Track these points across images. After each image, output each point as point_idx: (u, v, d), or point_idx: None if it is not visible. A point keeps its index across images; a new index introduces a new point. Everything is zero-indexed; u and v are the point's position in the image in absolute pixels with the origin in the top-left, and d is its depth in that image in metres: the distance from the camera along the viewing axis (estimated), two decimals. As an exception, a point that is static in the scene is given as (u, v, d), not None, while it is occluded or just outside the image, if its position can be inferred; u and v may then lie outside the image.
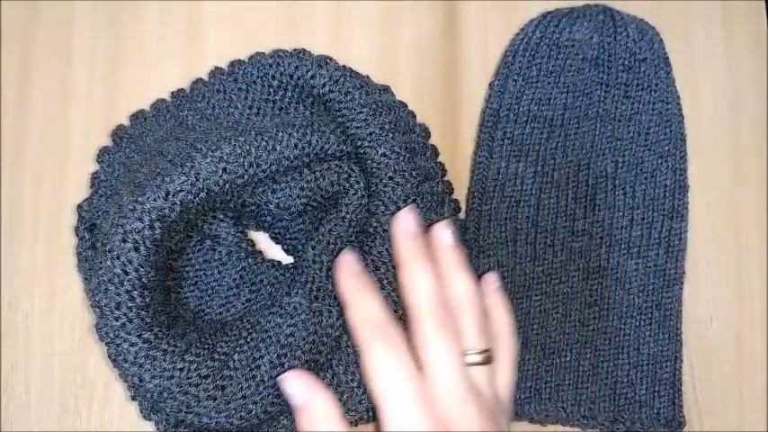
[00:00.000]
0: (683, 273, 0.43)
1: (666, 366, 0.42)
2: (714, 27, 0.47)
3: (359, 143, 0.37)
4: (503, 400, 0.35)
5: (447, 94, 0.45)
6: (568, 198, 0.43)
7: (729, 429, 0.43)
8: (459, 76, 0.45)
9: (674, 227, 0.43)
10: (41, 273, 0.42)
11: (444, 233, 0.36)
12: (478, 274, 0.42)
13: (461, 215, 0.44)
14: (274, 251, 0.43)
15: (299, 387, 0.34)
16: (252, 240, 0.42)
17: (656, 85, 0.44)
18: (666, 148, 0.43)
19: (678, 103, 0.44)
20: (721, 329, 0.44)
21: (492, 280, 0.37)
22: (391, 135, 0.37)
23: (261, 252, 0.42)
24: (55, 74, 0.44)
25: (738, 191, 0.45)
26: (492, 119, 0.44)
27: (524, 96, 0.44)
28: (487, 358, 0.34)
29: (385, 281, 0.37)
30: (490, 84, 0.45)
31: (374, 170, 0.37)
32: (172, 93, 0.42)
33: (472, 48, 0.46)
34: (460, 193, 0.44)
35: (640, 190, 0.43)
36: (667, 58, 0.44)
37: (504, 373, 0.35)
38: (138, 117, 0.42)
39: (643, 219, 0.43)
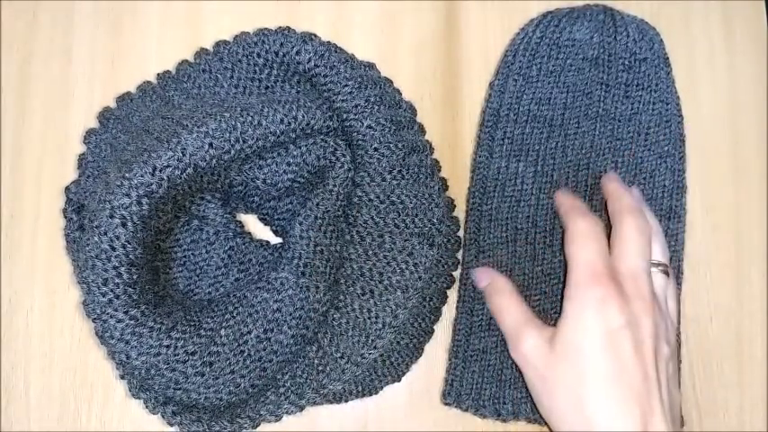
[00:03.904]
0: (681, 273, 0.43)
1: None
2: (714, 27, 0.47)
3: (344, 116, 0.37)
4: (671, 314, 0.39)
5: (447, 94, 0.45)
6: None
7: (729, 429, 0.43)
8: (459, 76, 0.45)
9: (670, 227, 0.43)
10: (41, 273, 0.42)
11: (635, 191, 0.42)
12: None
13: (460, 214, 0.44)
14: (263, 235, 0.43)
15: (483, 275, 0.41)
16: (240, 221, 0.42)
17: (656, 85, 0.44)
18: (666, 148, 0.43)
19: (678, 104, 0.44)
20: (721, 329, 0.44)
21: None
22: (376, 107, 0.37)
23: (249, 233, 0.42)
24: (55, 74, 0.44)
25: (738, 191, 0.45)
26: (492, 118, 0.44)
27: (524, 96, 0.44)
28: (666, 271, 0.39)
29: (370, 251, 0.37)
30: (490, 83, 0.45)
31: (359, 142, 0.37)
32: (158, 74, 0.42)
33: (472, 48, 0.46)
34: (461, 193, 0.44)
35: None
36: (667, 58, 0.44)
37: (671, 303, 0.39)
38: (124, 99, 0.42)
39: None
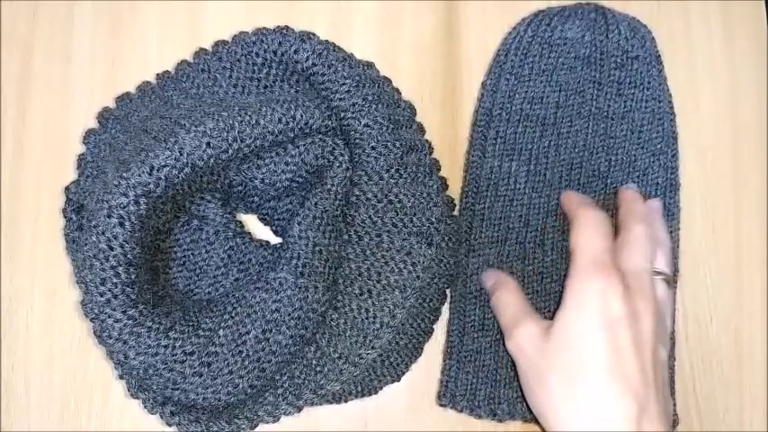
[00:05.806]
0: (677, 270, 0.43)
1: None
2: (714, 27, 0.47)
3: (342, 115, 0.37)
4: (667, 327, 0.38)
5: (447, 94, 0.45)
6: (560, 197, 0.43)
7: (729, 429, 0.43)
8: (459, 76, 0.45)
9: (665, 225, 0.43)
10: (41, 273, 0.42)
11: (656, 203, 0.41)
12: (468, 274, 0.42)
13: (455, 213, 0.43)
14: (263, 235, 0.43)
15: (490, 274, 0.41)
16: (240, 221, 0.42)
17: (649, 83, 0.44)
18: (658, 146, 0.43)
19: (670, 101, 0.44)
20: (721, 329, 0.44)
21: None
22: (374, 106, 0.37)
23: (249, 233, 0.42)
24: (55, 74, 0.44)
25: (738, 191, 0.45)
26: (485, 118, 0.44)
27: (517, 95, 0.43)
28: (667, 281, 0.38)
29: (368, 251, 0.37)
30: (483, 83, 0.45)
31: (357, 141, 0.37)
32: (157, 74, 0.42)
33: (472, 48, 0.46)
34: (457, 193, 0.44)
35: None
36: (659, 55, 0.44)
37: (668, 318, 0.39)
38: (123, 99, 0.42)
39: None
